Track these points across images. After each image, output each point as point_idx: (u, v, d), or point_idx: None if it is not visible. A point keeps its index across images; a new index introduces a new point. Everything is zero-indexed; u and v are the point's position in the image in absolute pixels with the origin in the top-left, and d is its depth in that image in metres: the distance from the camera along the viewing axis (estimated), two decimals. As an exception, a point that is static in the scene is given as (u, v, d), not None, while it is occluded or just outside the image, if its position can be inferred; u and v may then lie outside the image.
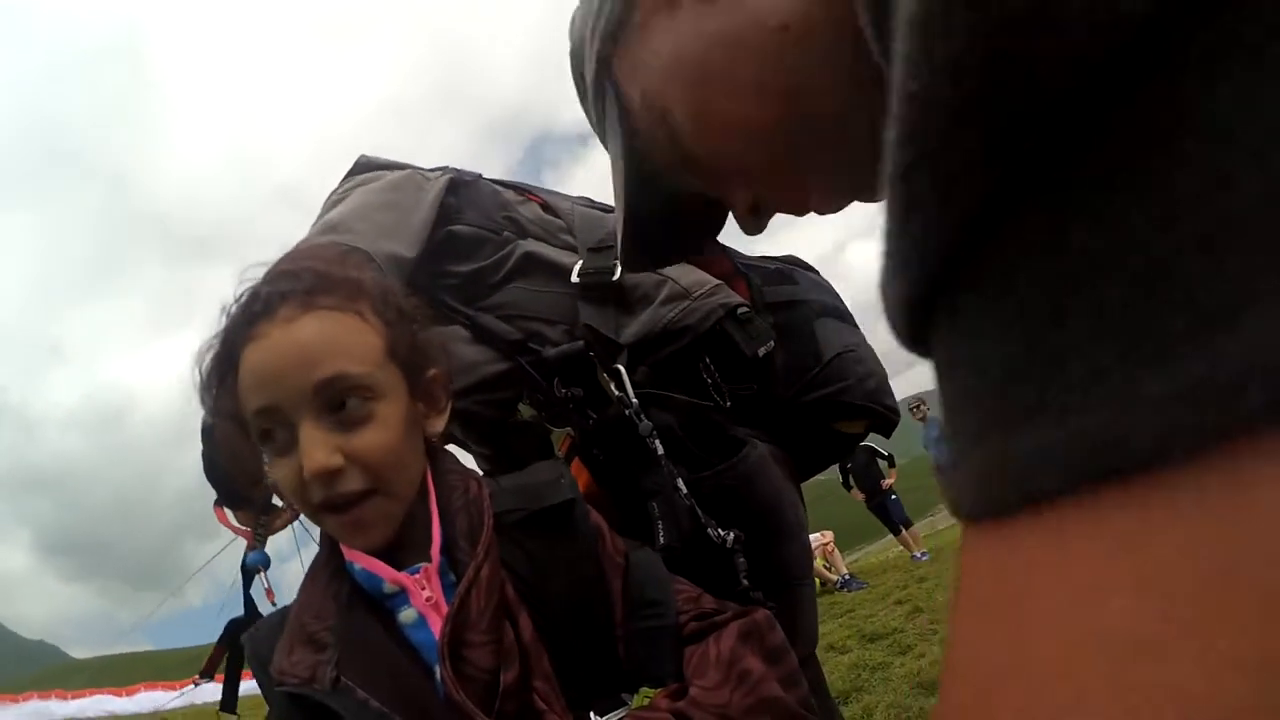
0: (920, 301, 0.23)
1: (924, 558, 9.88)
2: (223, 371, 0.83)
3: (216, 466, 1.10)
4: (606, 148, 0.82)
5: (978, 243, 0.21)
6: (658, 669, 0.84)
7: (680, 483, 1.04)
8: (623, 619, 0.85)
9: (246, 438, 0.85)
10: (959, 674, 0.23)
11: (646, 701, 0.83)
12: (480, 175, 1.38)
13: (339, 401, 0.79)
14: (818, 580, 7.82)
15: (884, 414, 1.21)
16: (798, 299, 1.25)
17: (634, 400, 1.07)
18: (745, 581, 1.02)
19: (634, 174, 0.77)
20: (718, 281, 1.17)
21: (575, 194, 1.40)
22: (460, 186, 1.29)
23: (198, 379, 0.86)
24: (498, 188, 1.34)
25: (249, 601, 1.20)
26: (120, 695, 15.36)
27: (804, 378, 1.17)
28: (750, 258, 1.32)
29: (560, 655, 0.81)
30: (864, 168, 0.62)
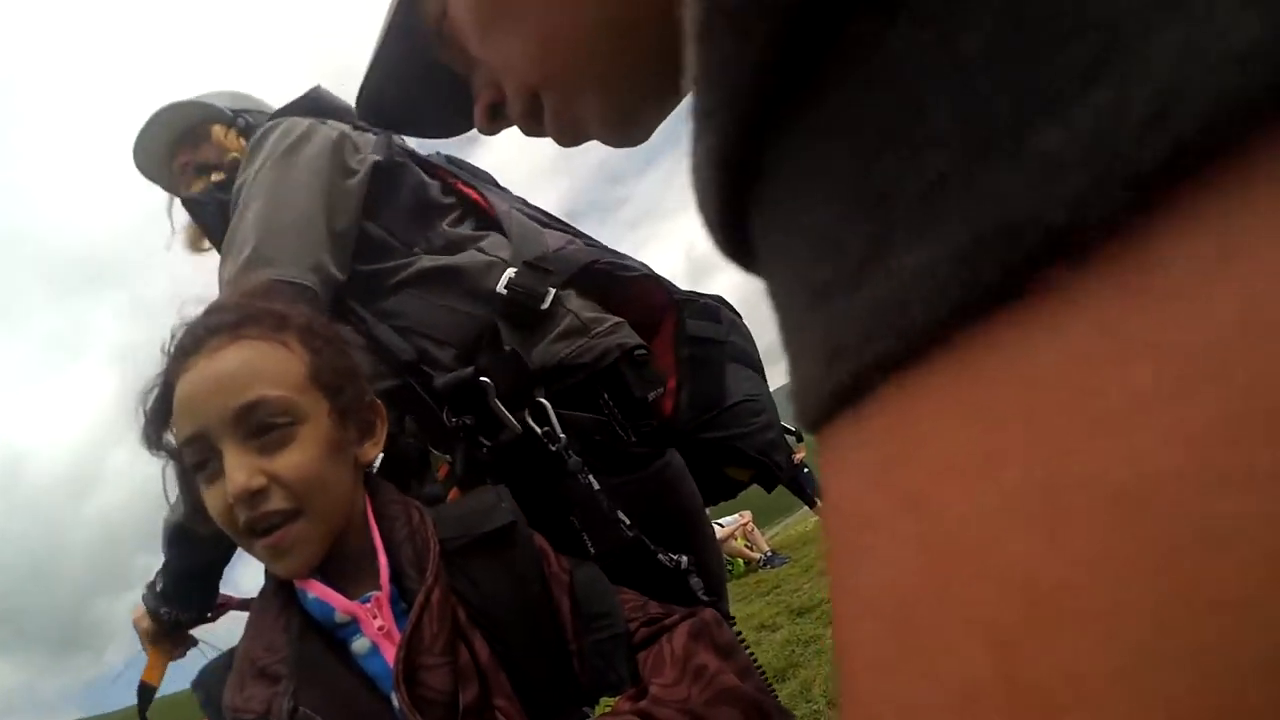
0: (734, 164, 0.18)
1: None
2: (164, 410, 0.85)
3: (186, 557, 1.16)
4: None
5: (793, 70, 0.16)
6: (614, 677, 0.85)
7: (601, 495, 1.02)
8: (574, 634, 0.86)
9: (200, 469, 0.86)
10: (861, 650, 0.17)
11: (608, 709, 0.83)
12: (413, 153, 1.34)
13: (261, 426, 0.80)
14: (740, 561, 7.89)
15: (771, 468, 1.24)
16: (716, 338, 1.26)
17: (560, 433, 1.04)
18: (704, 599, 1.01)
19: (405, 17, 0.71)
20: (617, 320, 1.16)
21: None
22: (384, 175, 1.25)
23: (141, 420, 0.87)
24: (425, 179, 1.29)
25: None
26: None
27: (704, 416, 1.19)
28: (684, 291, 1.30)
29: (517, 675, 0.81)
30: (645, 91, 0.60)
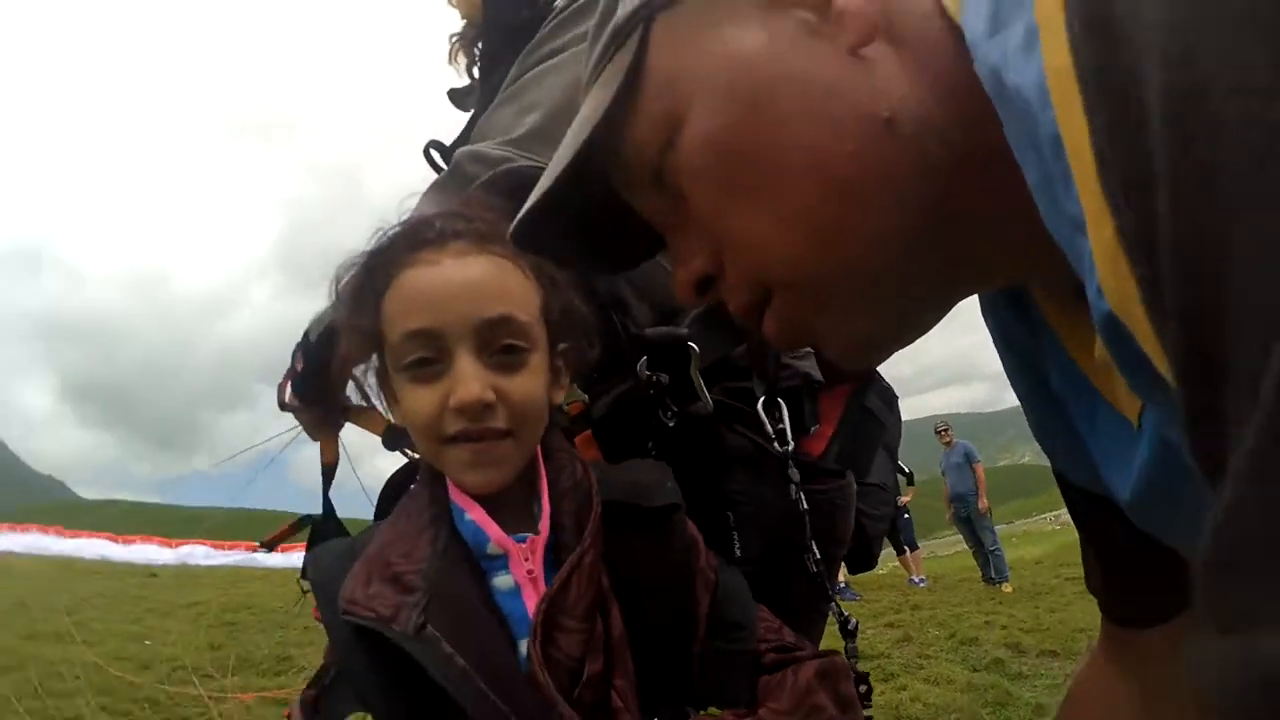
0: None
1: (922, 583, 9.78)
2: (370, 287, 0.84)
3: (319, 372, 1.17)
4: (582, 92, 0.67)
5: None
6: (732, 693, 0.84)
7: (799, 494, 1.03)
8: (704, 635, 0.85)
9: (367, 355, 0.88)
10: None
11: (714, 716, 0.83)
12: None
13: (498, 343, 0.80)
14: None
15: (870, 558, 1.36)
16: (882, 420, 1.29)
17: (790, 437, 1.07)
18: (835, 600, 1.04)
19: (589, 147, 0.62)
20: (809, 348, 1.15)
21: None
22: None
23: (334, 289, 0.89)
24: None
25: (328, 501, 1.37)
26: (116, 541, 15.70)
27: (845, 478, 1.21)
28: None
29: (639, 658, 0.80)
30: (904, 318, 0.57)
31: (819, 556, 1.04)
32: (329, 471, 1.38)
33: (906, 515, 10.31)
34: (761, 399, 1.07)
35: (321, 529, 1.39)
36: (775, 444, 1.05)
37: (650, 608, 0.82)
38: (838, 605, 1.04)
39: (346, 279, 0.88)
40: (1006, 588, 8.82)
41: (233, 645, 4.57)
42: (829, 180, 0.51)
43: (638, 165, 0.61)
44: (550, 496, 0.84)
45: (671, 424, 1.05)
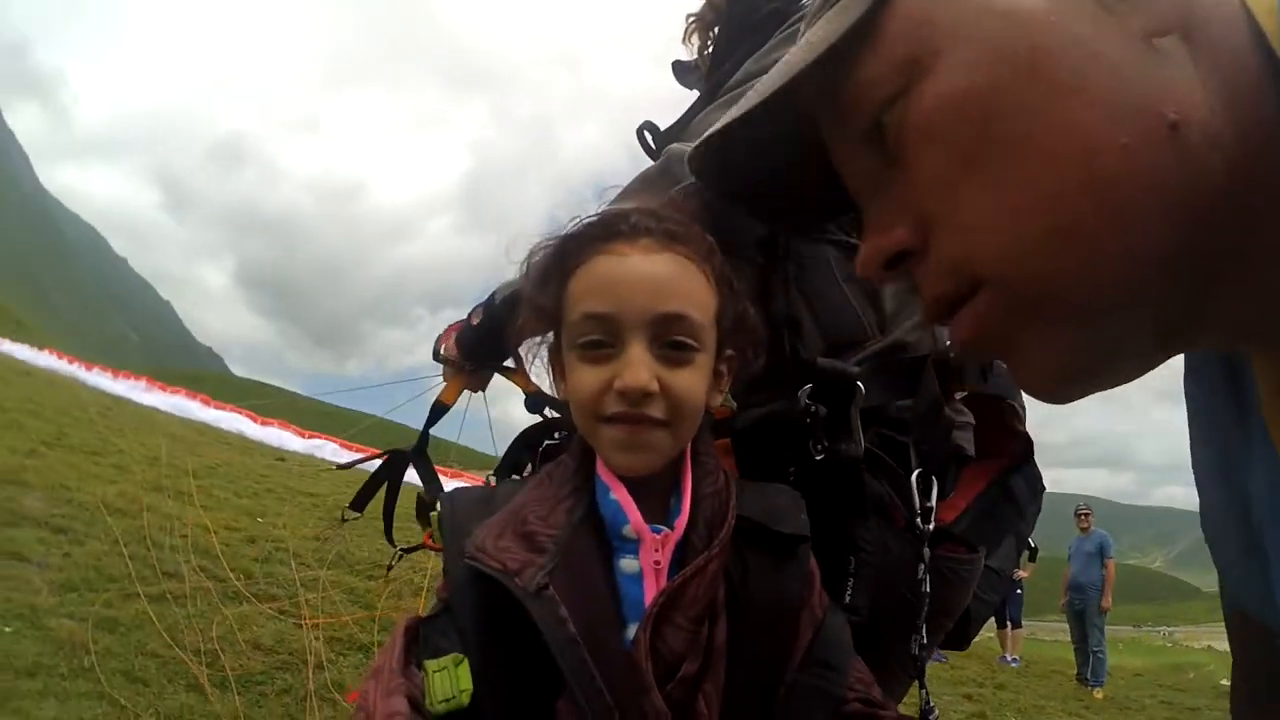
0: None
1: (1014, 663, 9.27)
2: (559, 268, 0.89)
3: (492, 332, 1.24)
4: (801, 27, 0.60)
5: None
6: None
7: (926, 574, 1.00)
8: (796, 668, 0.85)
9: (542, 330, 0.94)
10: None
11: None
12: None
13: (669, 337, 0.83)
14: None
15: (965, 640, 1.30)
16: (1021, 508, 1.22)
17: (932, 500, 1.04)
18: (924, 684, 1.01)
19: (808, 73, 0.55)
20: (971, 419, 1.14)
21: None
22: None
23: (524, 267, 0.94)
24: None
25: (425, 435, 1.45)
26: (255, 421, 16.67)
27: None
28: (1029, 445, 1.27)
29: (732, 672, 0.81)
30: (1075, 356, 0.49)
31: (924, 640, 1.01)
32: (439, 410, 1.43)
33: (1019, 591, 9.74)
34: (917, 472, 1.04)
35: (396, 463, 1.46)
36: (919, 521, 1.02)
37: (754, 628, 0.83)
38: (926, 691, 1.00)
39: (539, 257, 0.93)
40: (1098, 693, 8.31)
41: (336, 541, 4.84)
42: (1092, 171, 0.44)
43: (857, 110, 0.54)
44: (691, 498, 0.86)
45: (819, 458, 1.03)
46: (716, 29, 1.42)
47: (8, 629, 2.63)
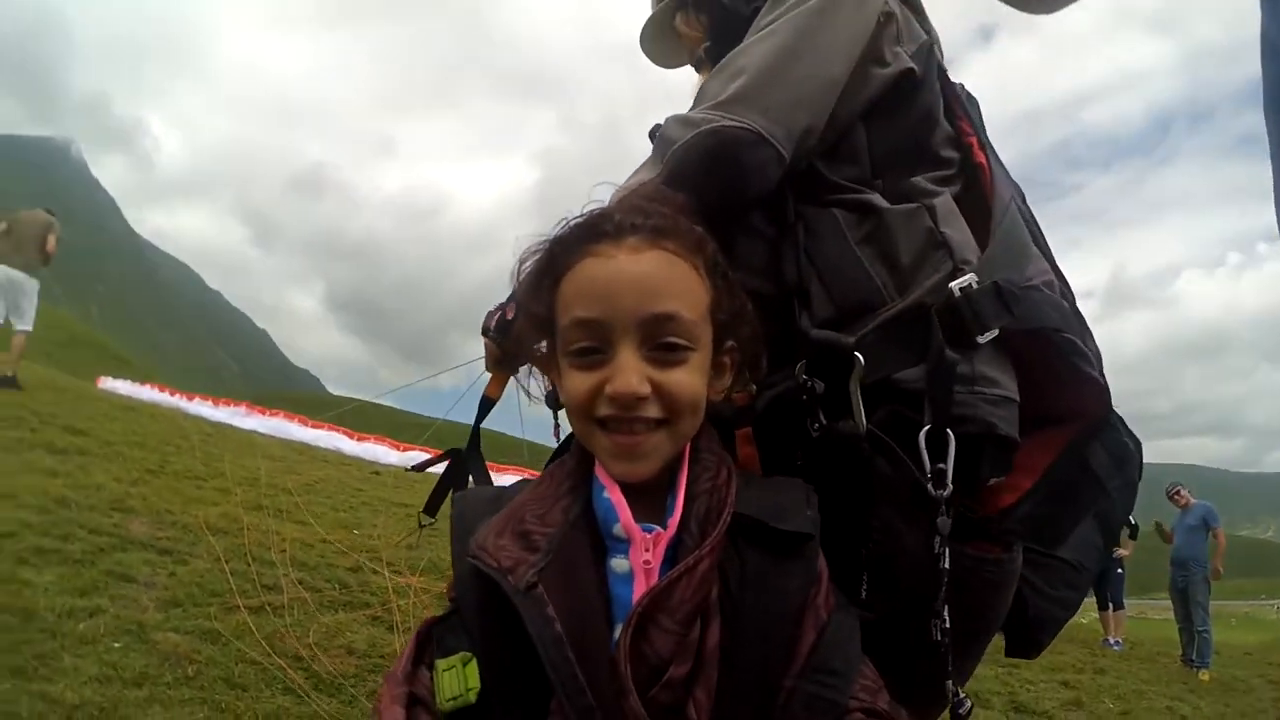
0: None
1: (1117, 647, 8.86)
2: (549, 274, 0.89)
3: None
4: None
5: None
6: None
7: (944, 549, 0.90)
8: (796, 672, 0.80)
9: (540, 337, 0.92)
10: None
11: None
12: (945, 76, 1.23)
13: (661, 338, 0.82)
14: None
15: (1033, 646, 1.15)
16: (1105, 484, 1.09)
17: (949, 480, 0.92)
18: (950, 674, 0.91)
19: None
20: (1009, 396, 1.00)
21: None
22: (906, 87, 1.13)
23: (516, 270, 0.94)
24: (938, 117, 1.17)
25: (477, 433, 1.44)
26: (351, 438, 17.07)
27: (1029, 546, 1.05)
28: (1114, 414, 1.10)
29: (727, 676, 0.78)
30: None
31: (947, 625, 0.90)
32: (487, 404, 1.43)
33: (1120, 570, 9.32)
34: (926, 428, 0.92)
35: (458, 463, 1.45)
36: (930, 484, 0.91)
37: (751, 630, 0.79)
38: (954, 685, 0.91)
39: (529, 262, 0.93)
40: (1204, 675, 7.91)
41: (428, 548, 4.98)
42: None
43: None
44: (685, 497, 0.84)
45: (815, 436, 0.97)
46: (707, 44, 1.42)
47: (116, 644, 2.80)
